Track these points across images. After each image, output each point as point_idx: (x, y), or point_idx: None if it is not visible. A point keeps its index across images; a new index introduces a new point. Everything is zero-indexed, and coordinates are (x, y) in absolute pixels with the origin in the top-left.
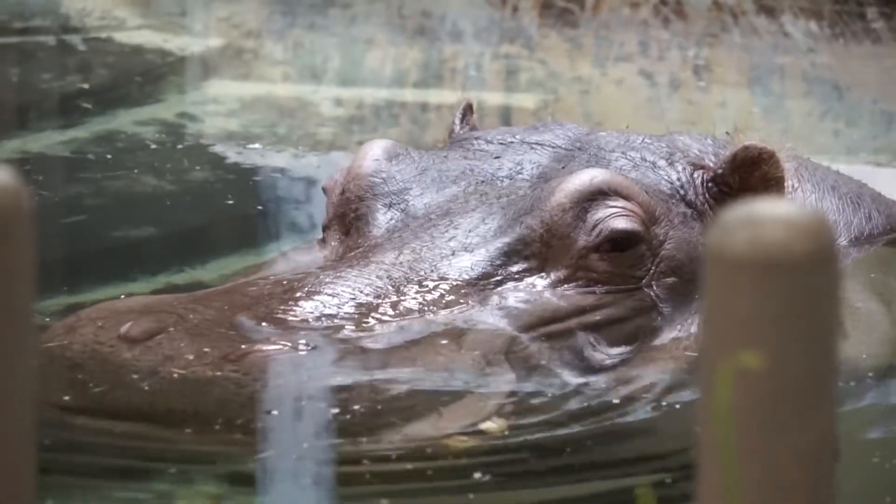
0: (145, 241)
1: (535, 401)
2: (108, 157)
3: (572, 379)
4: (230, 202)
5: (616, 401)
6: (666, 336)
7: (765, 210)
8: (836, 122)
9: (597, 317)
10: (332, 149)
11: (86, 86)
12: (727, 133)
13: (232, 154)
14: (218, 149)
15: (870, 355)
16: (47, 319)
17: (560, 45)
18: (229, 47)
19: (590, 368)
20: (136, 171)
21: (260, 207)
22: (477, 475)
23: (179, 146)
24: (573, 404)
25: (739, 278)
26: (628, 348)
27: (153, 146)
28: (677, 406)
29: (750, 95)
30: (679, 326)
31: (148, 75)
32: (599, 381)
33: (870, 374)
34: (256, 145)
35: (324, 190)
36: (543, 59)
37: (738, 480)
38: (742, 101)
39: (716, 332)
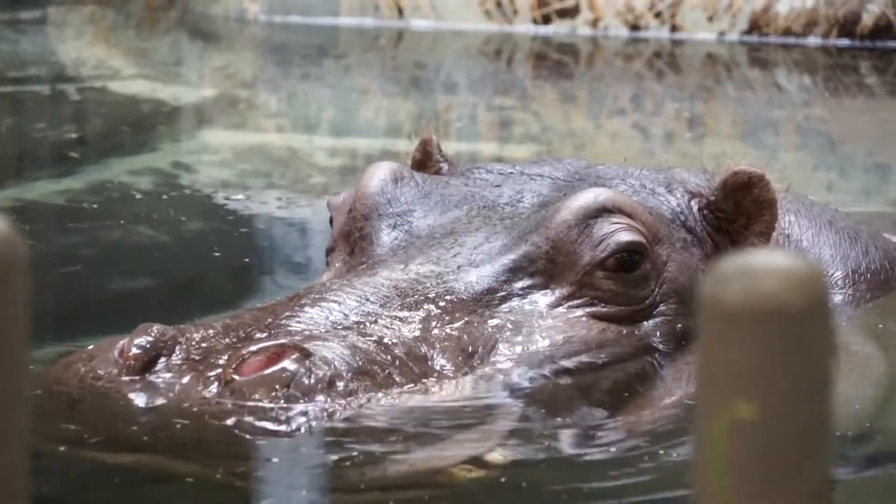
0: (140, 291)
1: (537, 437)
2: (102, 206)
3: (575, 418)
4: (224, 253)
5: (616, 444)
6: (669, 378)
7: (760, 261)
8: (829, 174)
9: (602, 354)
10: (324, 199)
11: (80, 135)
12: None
13: (226, 204)
14: (212, 199)
15: (867, 400)
16: (40, 369)
17: (554, 97)
18: (223, 97)
19: (593, 407)
20: (129, 220)
21: (251, 259)
22: None
23: (174, 196)
24: (574, 445)
25: (734, 329)
26: (631, 389)
27: (147, 196)
28: (677, 452)
29: (744, 148)
30: (681, 368)
31: (142, 125)
32: (602, 422)
33: (866, 421)
34: (250, 195)
35: (328, 206)
36: (537, 112)
37: None
38: (736, 153)
39: (710, 382)
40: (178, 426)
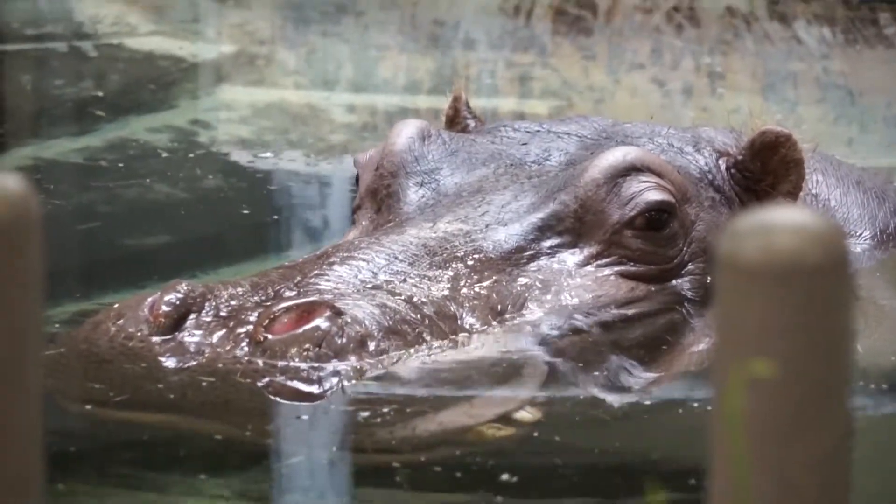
0: (159, 248)
1: (566, 395)
2: (121, 164)
3: (604, 375)
4: (243, 209)
5: (645, 400)
6: (697, 335)
7: (777, 218)
8: (849, 127)
9: (631, 312)
10: (345, 156)
11: (98, 93)
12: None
13: (245, 161)
14: (231, 156)
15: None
16: (58, 326)
17: (573, 53)
18: (242, 54)
19: (622, 364)
20: (148, 178)
21: (274, 216)
22: (504, 476)
23: (192, 153)
24: (603, 402)
25: (752, 286)
26: (660, 346)
27: (166, 153)
28: (708, 407)
29: (763, 102)
30: (710, 325)
31: (160, 82)
32: (631, 378)
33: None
34: (269, 153)
35: (355, 163)
36: (556, 68)
37: (749, 490)
38: (755, 107)
39: (728, 340)
40: (209, 385)
